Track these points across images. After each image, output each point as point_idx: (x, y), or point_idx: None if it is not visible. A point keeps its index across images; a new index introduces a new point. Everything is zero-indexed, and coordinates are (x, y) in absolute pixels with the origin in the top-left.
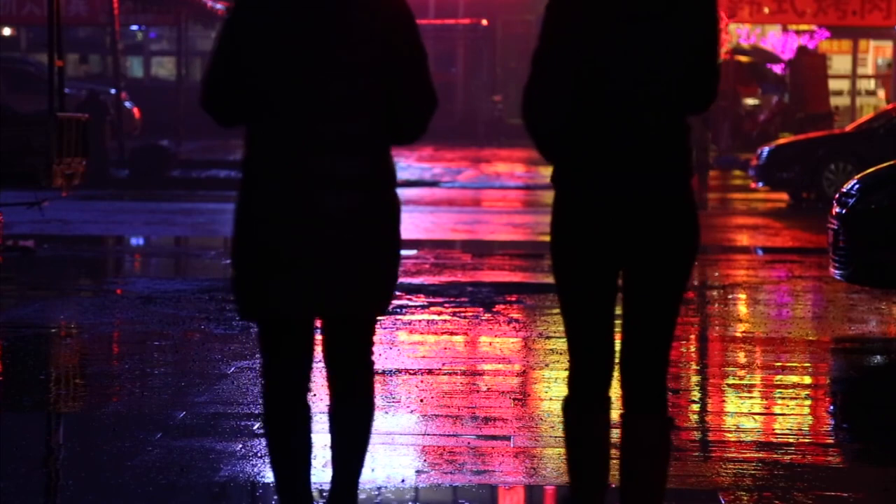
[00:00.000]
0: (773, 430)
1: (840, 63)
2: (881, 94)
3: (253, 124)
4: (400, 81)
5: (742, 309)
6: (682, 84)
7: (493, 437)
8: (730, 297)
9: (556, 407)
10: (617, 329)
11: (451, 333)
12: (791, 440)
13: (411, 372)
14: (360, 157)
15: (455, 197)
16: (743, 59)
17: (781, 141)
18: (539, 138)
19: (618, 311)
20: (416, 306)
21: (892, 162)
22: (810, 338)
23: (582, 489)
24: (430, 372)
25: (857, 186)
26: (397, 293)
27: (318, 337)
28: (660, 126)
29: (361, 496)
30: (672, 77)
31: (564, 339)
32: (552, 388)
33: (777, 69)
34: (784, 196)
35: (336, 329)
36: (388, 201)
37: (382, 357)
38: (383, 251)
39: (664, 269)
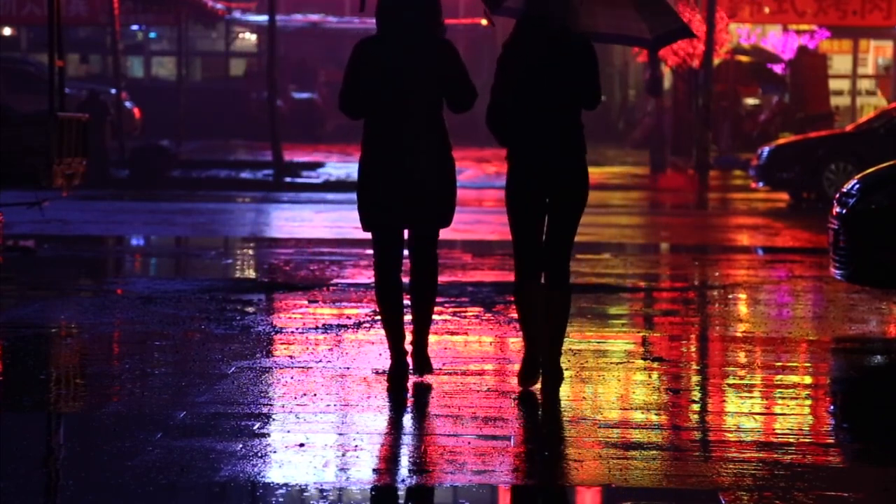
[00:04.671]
0: (774, 430)
1: (840, 63)
2: (880, 94)
3: (371, 117)
4: (454, 88)
5: (742, 309)
6: (578, 99)
7: (493, 437)
8: (730, 297)
9: (557, 408)
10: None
11: (451, 333)
12: (791, 440)
13: (412, 372)
14: (433, 135)
15: None
16: (743, 59)
17: (781, 141)
18: (497, 135)
19: None
20: None
21: (892, 162)
22: (810, 338)
23: (531, 336)
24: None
25: (857, 186)
26: None
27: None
28: (563, 126)
29: (359, 497)
30: (569, 97)
31: (568, 339)
32: None
33: (777, 69)
34: (784, 196)
35: (418, 237)
36: (450, 160)
37: (383, 357)
38: (448, 190)
39: (568, 203)
